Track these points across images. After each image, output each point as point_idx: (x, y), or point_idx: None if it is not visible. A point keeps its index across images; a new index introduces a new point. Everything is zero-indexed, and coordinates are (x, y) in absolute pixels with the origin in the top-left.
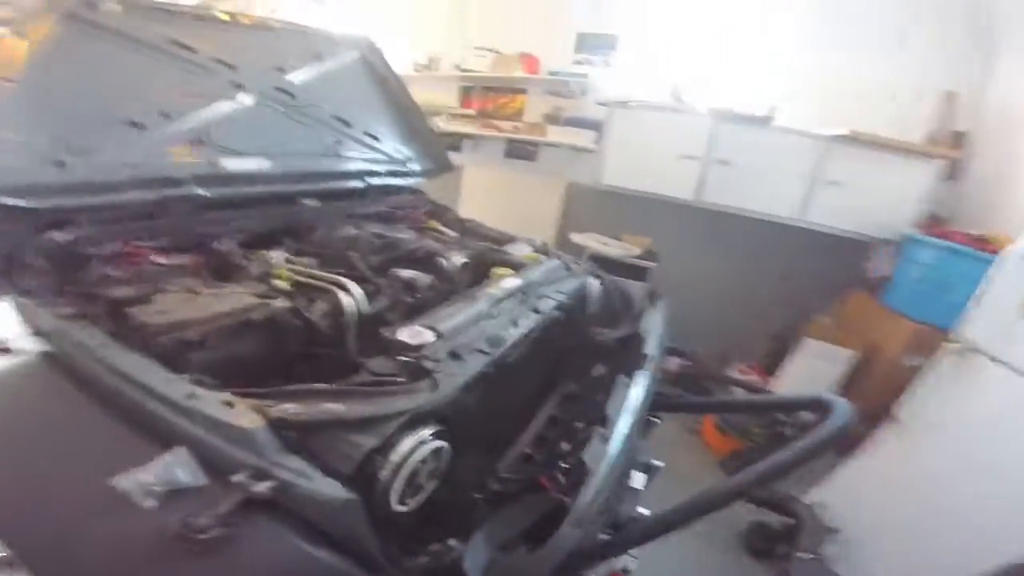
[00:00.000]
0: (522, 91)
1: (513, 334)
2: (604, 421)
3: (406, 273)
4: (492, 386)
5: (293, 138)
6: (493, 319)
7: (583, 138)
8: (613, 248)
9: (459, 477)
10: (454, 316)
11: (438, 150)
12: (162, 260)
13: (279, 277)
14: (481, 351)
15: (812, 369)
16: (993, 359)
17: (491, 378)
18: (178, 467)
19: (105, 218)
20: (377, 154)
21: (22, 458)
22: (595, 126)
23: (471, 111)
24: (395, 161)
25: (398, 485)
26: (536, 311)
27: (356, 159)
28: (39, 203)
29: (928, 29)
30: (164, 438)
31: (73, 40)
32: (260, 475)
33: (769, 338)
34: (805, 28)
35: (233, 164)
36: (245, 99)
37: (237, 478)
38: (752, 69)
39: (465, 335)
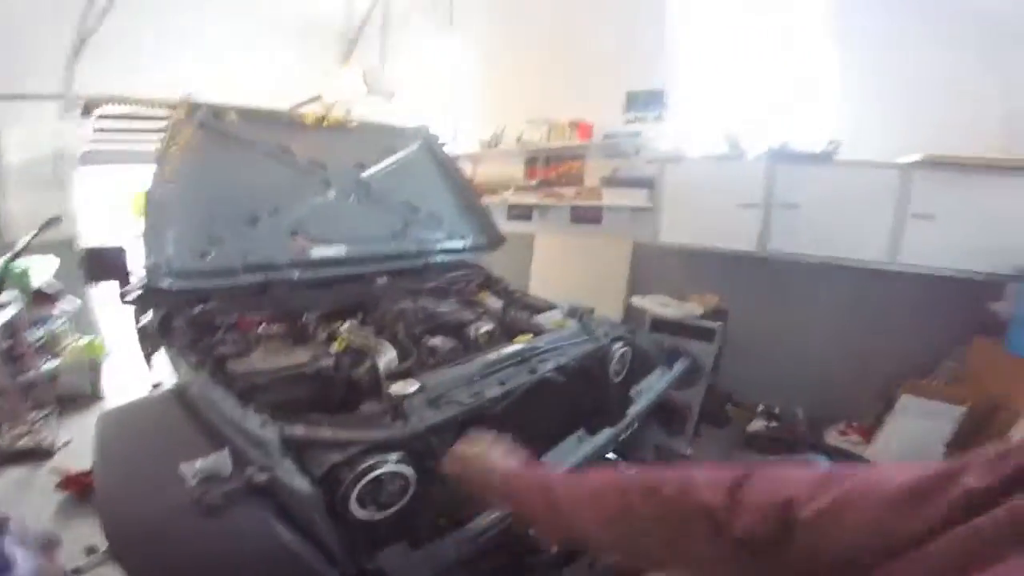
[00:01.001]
0: (580, 157)
1: (495, 391)
2: None
3: (433, 340)
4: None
5: (368, 225)
6: (485, 379)
7: (637, 197)
8: (673, 310)
9: (430, 500)
10: (444, 375)
11: (490, 226)
12: (262, 329)
13: (337, 342)
14: (458, 402)
15: (914, 429)
16: None
17: (469, 423)
18: (218, 461)
19: (226, 295)
20: (439, 233)
21: (139, 452)
22: (648, 184)
23: (534, 181)
24: (453, 239)
25: (355, 493)
26: (532, 372)
27: (419, 240)
28: (192, 285)
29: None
30: (224, 444)
31: (206, 146)
32: (264, 469)
33: (873, 395)
34: (862, 54)
35: (319, 251)
36: (331, 194)
37: (249, 470)
38: (809, 103)
39: (450, 390)
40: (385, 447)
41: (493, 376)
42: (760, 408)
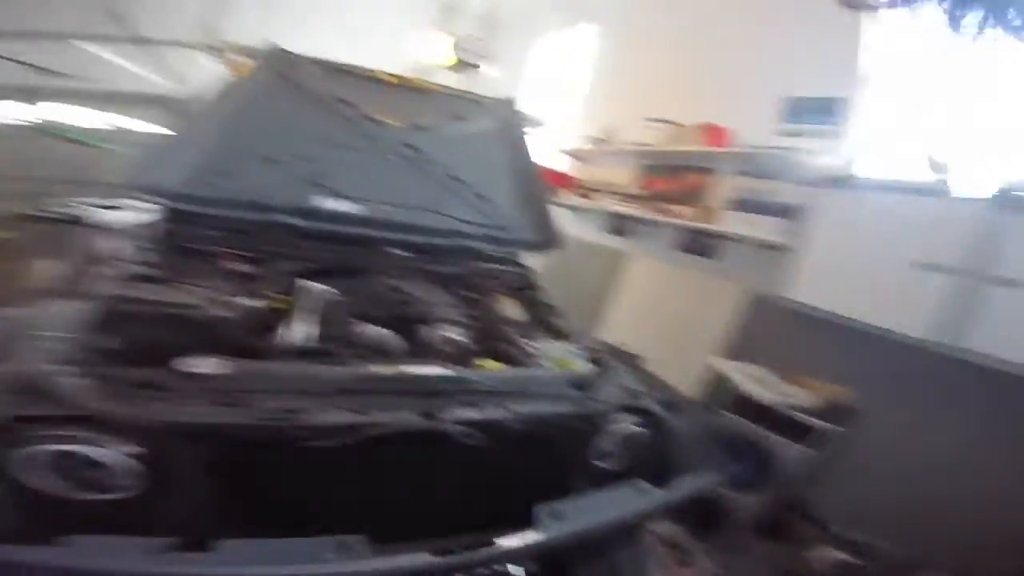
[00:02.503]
0: (708, 171)
1: (322, 418)
2: None
3: (369, 329)
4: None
5: (399, 190)
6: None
7: (769, 228)
8: (770, 391)
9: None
10: (266, 369)
11: (546, 224)
12: (228, 266)
13: (272, 299)
14: (260, 411)
15: None
16: None
17: (243, 440)
18: None
19: (218, 226)
20: (479, 217)
21: None
22: (790, 213)
23: (645, 192)
24: (495, 227)
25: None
26: (428, 417)
27: (453, 219)
28: (185, 207)
29: None
30: None
31: (270, 91)
32: None
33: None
34: None
35: (327, 203)
36: (373, 150)
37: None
38: None
39: (266, 389)
40: (87, 423)
41: (369, 399)
42: (834, 530)
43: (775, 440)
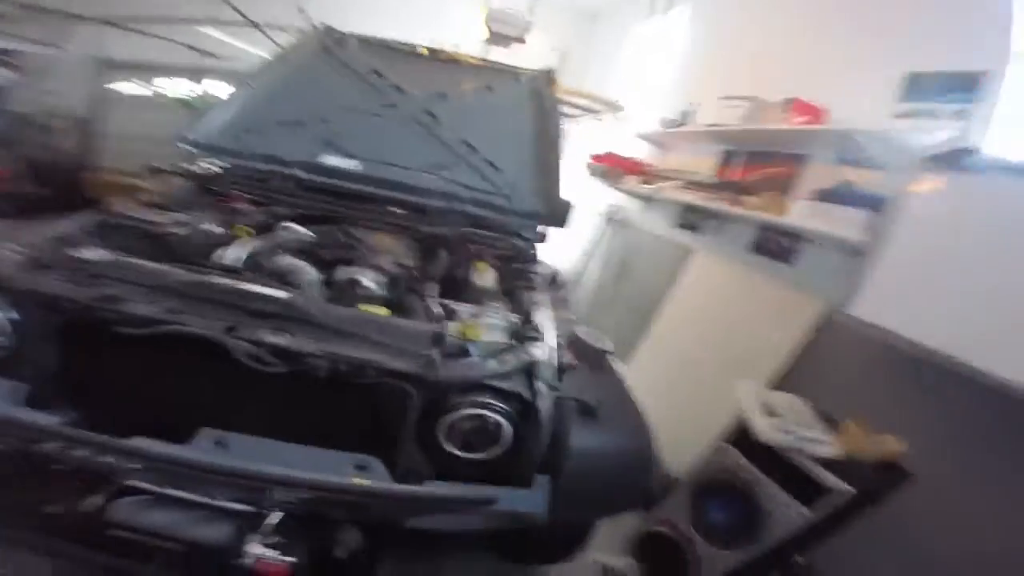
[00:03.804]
0: (798, 158)
1: (134, 308)
2: None
3: (287, 259)
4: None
5: (407, 152)
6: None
7: (847, 224)
8: (788, 430)
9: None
10: (147, 267)
11: (557, 202)
12: (235, 206)
13: (237, 229)
14: (94, 294)
15: None
16: None
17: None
18: None
19: (238, 174)
20: (483, 183)
21: None
22: (877, 204)
23: (718, 181)
24: (499, 195)
25: None
26: (230, 330)
27: (453, 182)
28: (206, 155)
29: None
30: None
31: (310, 63)
32: None
33: None
34: None
35: (333, 160)
36: (391, 116)
37: None
38: None
39: (123, 279)
40: None
41: (195, 305)
42: None
43: (773, 493)
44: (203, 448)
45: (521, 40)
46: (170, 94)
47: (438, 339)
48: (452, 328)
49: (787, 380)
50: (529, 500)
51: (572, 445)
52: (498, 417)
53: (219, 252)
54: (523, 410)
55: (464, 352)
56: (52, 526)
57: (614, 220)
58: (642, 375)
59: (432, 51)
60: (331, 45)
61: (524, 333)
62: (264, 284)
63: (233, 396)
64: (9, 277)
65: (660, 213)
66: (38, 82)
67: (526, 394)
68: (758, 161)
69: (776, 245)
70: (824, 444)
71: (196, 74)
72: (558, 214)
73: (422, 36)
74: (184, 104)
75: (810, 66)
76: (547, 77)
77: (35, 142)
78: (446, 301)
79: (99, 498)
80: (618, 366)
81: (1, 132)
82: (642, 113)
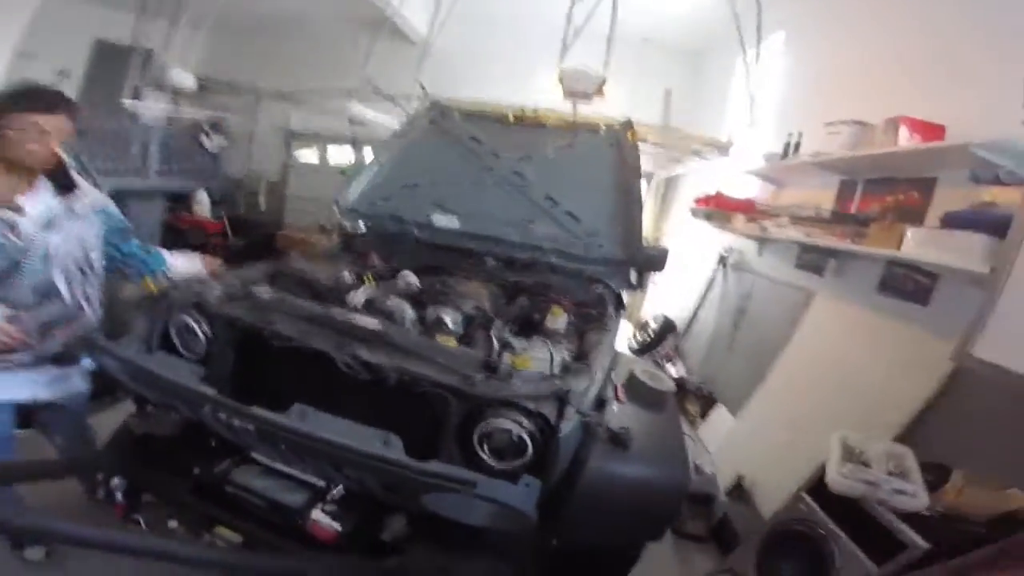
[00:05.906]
0: (926, 183)
1: (280, 330)
2: None
3: (394, 300)
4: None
5: (499, 209)
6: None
7: (966, 252)
8: (874, 479)
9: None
10: (294, 303)
11: (638, 248)
12: (369, 258)
13: (365, 278)
14: (259, 318)
15: None
16: None
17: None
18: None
19: (372, 234)
20: (563, 234)
21: None
22: (999, 226)
23: (832, 215)
24: (577, 245)
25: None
26: (339, 347)
27: (537, 235)
28: (353, 219)
29: None
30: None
31: (424, 134)
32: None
33: None
34: None
35: (437, 219)
36: (486, 178)
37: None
38: None
39: (279, 310)
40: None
41: (319, 330)
42: None
43: (844, 546)
44: (292, 415)
45: (599, 94)
46: (331, 162)
47: (484, 364)
48: (506, 358)
49: (914, 433)
50: (512, 493)
51: (593, 467)
52: (523, 432)
53: (351, 295)
54: (546, 429)
55: (509, 376)
56: (191, 483)
57: (729, 264)
58: (751, 424)
59: (519, 116)
60: (437, 117)
61: (571, 368)
62: (369, 318)
63: (332, 389)
64: (211, 305)
65: (777, 254)
66: (243, 149)
67: (550, 415)
68: (877, 190)
69: (908, 283)
70: (914, 497)
71: (355, 143)
72: (647, 260)
73: (517, 96)
74: (341, 172)
75: (914, 81)
76: (624, 128)
77: (241, 202)
78: (508, 337)
79: (227, 464)
80: (718, 412)
81: (218, 192)
82: (750, 148)
